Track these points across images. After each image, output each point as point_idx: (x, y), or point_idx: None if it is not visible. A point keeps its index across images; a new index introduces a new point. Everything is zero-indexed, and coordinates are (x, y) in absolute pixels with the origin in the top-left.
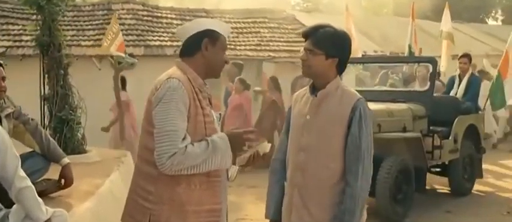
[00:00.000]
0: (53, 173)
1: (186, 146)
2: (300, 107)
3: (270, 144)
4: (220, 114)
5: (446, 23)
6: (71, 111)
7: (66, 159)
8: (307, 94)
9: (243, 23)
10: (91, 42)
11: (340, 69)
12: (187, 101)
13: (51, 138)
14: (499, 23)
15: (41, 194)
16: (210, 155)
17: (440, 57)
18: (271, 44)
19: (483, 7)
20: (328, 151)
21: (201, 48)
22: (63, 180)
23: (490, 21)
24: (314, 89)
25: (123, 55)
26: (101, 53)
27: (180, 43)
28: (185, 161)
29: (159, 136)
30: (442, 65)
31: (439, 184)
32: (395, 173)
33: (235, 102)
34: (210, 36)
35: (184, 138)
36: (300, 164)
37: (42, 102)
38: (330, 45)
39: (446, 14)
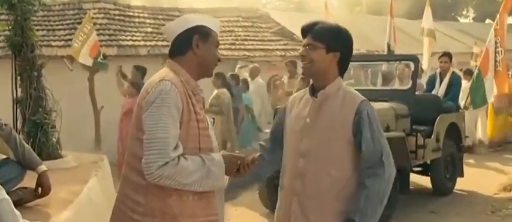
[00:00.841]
0: (29, 180)
1: (179, 158)
2: (298, 109)
3: (258, 154)
4: (213, 119)
5: (427, 20)
6: (45, 115)
7: (43, 167)
8: (307, 96)
9: None
10: (62, 43)
11: (342, 68)
12: (181, 105)
13: (26, 145)
14: (470, 20)
15: (17, 203)
16: (202, 180)
17: (421, 55)
18: (246, 43)
19: (454, 5)
20: (330, 157)
21: (192, 46)
22: (40, 189)
23: (462, 19)
24: (314, 90)
25: (91, 62)
26: (73, 55)
27: (153, 43)
28: (175, 176)
29: (149, 143)
30: (424, 63)
31: (420, 183)
32: None
33: (128, 106)
34: (201, 32)
35: (176, 147)
36: (299, 170)
37: (15, 106)
38: (330, 38)
39: (428, 11)
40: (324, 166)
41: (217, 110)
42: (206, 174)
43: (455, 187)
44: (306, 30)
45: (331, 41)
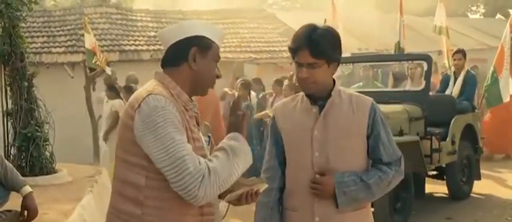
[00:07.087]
0: (13, 201)
1: (207, 165)
2: (295, 120)
3: (266, 185)
4: (209, 136)
5: (440, 17)
6: (37, 127)
7: (28, 188)
8: (303, 104)
9: (222, 24)
10: (63, 49)
11: (335, 71)
12: (179, 119)
13: (9, 164)
14: (480, 16)
15: None
16: (234, 161)
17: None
18: (252, 44)
19: (464, 0)
20: (349, 168)
21: (187, 59)
22: (26, 212)
23: (471, 15)
24: (312, 99)
25: (109, 70)
26: (101, 66)
27: (157, 47)
28: (216, 181)
29: (174, 167)
30: (445, 62)
31: (436, 187)
32: None
33: None
34: (200, 44)
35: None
36: None
37: (5, 119)
38: (330, 50)
39: (441, 8)
40: None
41: None
42: (232, 154)
43: (473, 190)
44: (301, 47)
45: (331, 53)
